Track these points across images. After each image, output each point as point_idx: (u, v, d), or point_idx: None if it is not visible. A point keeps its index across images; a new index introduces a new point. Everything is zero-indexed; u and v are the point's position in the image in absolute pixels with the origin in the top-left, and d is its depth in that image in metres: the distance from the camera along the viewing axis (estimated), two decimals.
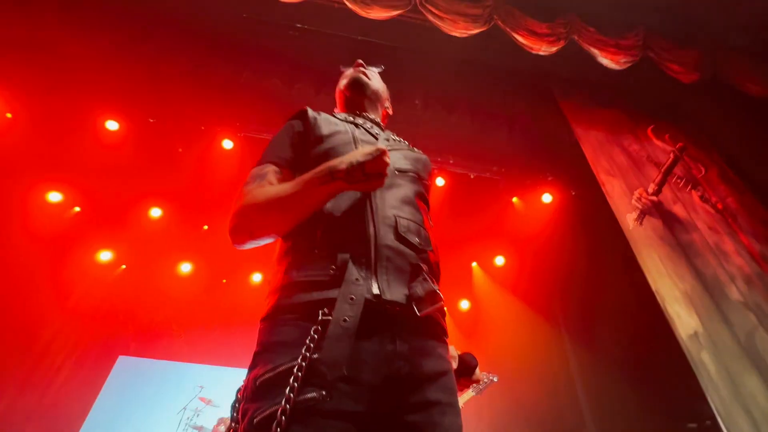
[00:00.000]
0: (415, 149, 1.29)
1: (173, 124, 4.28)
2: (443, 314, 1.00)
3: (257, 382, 0.78)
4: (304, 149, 1.11)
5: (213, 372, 5.22)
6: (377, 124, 1.31)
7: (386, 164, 0.91)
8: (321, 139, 1.11)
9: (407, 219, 1.00)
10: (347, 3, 3.21)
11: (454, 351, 1.21)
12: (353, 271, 0.86)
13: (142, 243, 4.92)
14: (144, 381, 5.02)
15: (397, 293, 0.87)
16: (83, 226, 4.58)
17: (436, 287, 0.92)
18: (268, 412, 0.72)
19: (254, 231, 0.96)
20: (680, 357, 2.53)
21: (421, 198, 1.13)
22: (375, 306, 0.84)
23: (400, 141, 1.29)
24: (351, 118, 1.25)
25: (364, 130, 1.20)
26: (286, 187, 0.95)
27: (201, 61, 3.82)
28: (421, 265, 0.95)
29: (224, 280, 5.59)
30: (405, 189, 1.08)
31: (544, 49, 3.44)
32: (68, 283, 4.63)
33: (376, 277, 0.88)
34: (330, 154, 1.06)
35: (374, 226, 0.94)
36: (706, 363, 2.49)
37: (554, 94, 4.12)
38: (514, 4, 3.47)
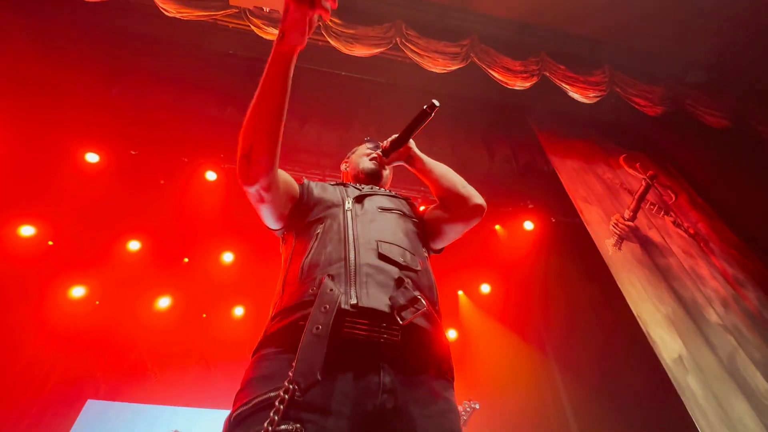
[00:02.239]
0: (406, 198, 1.39)
1: (156, 155, 4.25)
2: (446, 354, 0.96)
3: (232, 418, 0.77)
4: (306, 198, 1.23)
5: (189, 414, 4.91)
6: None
7: None
8: (313, 195, 1.24)
9: (390, 243, 1.04)
10: (331, 41, 3.34)
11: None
12: (328, 284, 0.87)
13: (119, 278, 4.73)
14: (114, 426, 4.68)
15: (376, 302, 0.87)
16: (56, 260, 4.39)
17: (417, 293, 0.89)
18: None
19: (249, 147, 0.99)
20: (665, 382, 2.53)
21: (409, 231, 1.17)
22: (355, 326, 0.83)
23: (387, 190, 1.38)
24: (341, 183, 1.38)
25: (352, 187, 1.31)
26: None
27: (185, 94, 3.86)
28: (405, 278, 0.94)
29: (204, 315, 5.39)
30: (388, 222, 1.14)
31: (518, 85, 3.62)
32: (35, 323, 4.37)
33: (355, 288, 0.88)
34: (321, 201, 1.19)
35: (355, 250, 0.98)
36: (692, 387, 2.49)
37: (531, 125, 4.31)
38: (488, 44, 3.68)
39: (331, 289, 0.85)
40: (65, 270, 4.48)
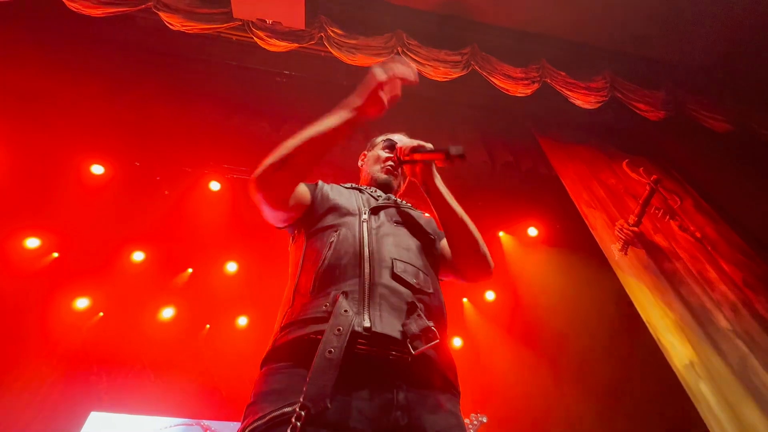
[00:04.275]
0: (421, 212, 1.37)
1: (160, 167, 4.28)
2: (452, 369, 0.97)
3: None
4: (318, 202, 1.21)
5: (194, 427, 4.86)
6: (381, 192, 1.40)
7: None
8: (328, 199, 1.22)
9: (405, 262, 1.04)
10: (333, 52, 3.38)
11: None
12: (343, 304, 0.87)
13: (122, 289, 4.74)
14: None
15: (389, 328, 0.87)
16: (61, 272, 4.40)
17: (431, 324, 0.89)
18: None
19: (286, 159, 1.06)
20: (677, 389, 2.49)
21: (423, 248, 1.16)
22: (368, 345, 0.83)
23: (403, 202, 1.36)
24: (356, 186, 1.36)
25: (368, 195, 1.30)
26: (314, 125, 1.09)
27: (189, 105, 3.90)
28: (418, 303, 0.94)
29: (208, 326, 5.37)
30: (402, 238, 1.14)
31: (519, 91, 3.64)
32: (39, 334, 4.36)
33: (369, 311, 0.88)
34: (336, 207, 1.17)
35: (370, 267, 0.98)
36: (705, 394, 2.45)
37: (533, 131, 4.32)
38: (489, 51, 3.70)
39: (346, 311, 0.86)
40: (70, 281, 4.50)
